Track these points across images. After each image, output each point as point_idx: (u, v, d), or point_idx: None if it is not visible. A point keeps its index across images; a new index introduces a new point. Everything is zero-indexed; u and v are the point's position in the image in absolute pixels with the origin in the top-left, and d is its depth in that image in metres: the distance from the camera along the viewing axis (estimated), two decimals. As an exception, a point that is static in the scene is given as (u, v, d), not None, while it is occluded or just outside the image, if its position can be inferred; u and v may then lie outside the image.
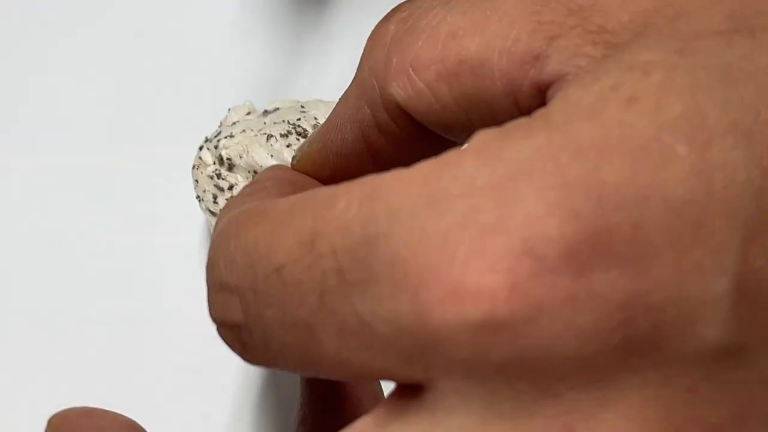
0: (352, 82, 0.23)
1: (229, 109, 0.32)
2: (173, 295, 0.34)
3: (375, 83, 0.21)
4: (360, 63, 0.22)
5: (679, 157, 0.15)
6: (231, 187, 0.30)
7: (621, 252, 0.15)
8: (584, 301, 0.15)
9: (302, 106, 0.31)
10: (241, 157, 0.30)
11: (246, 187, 0.24)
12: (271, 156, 0.29)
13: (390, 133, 0.22)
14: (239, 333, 0.19)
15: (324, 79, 0.37)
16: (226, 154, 0.30)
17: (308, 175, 0.24)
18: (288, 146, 0.29)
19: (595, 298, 0.15)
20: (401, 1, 0.22)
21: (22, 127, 0.37)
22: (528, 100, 0.19)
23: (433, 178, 0.16)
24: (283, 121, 0.29)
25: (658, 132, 0.16)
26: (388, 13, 0.22)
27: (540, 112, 0.17)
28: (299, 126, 0.29)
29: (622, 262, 0.15)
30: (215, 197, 0.30)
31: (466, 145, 0.17)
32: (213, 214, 0.31)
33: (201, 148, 0.31)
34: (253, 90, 0.35)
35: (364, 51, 0.22)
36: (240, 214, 0.20)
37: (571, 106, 0.16)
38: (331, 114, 0.23)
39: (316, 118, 0.30)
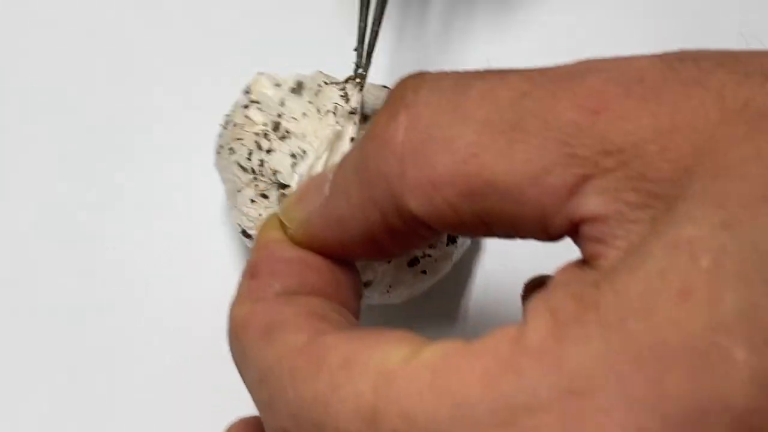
0: (352, 177, 0.22)
1: (260, 73, 0.32)
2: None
3: (388, 191, 0.20)
4: (365, 163, 0.21)
5: (737, 363, 0.15)
6: (269, 151, 0.30)
7: None
8: None
9: (327, 83, 0.31)
10: (305, 137, 0.30)
11: (254, 270, 0.23)
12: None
13: (399, 233, 0.21)
14: None
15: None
16: (286, 125, 0.31)
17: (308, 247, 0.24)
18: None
19: None
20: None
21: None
22: (559, 229, 0.19)
23: (497, 380, 0.16)
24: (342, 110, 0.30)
25: (714, 334, 0.15)
26: (390, 107, 0.21)
27: (591, 301, 0.17)
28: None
29: None
30: (250, 154, 0.31)
31: (522, 324, 0.17)
32: (242, 168, 0.31)
33: (246, 106, 0.31)
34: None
35: (366, 150, 0.21)
36: (292, 355, 0.20)
37: (622, 298, 0.16)
38: (330, 202, 0.23)
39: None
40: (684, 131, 0.18)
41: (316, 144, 0.30)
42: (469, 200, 0.19)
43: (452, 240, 0.30)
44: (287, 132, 0.31)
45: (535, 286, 0.27)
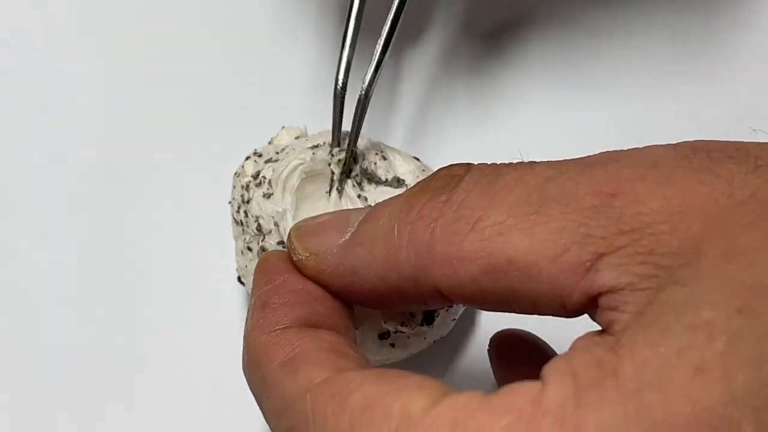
0: (380, 237, 0.23)
1: (282, 127, 0.33)
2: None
3: (413, 262, 0.22)
4: (397, 229, 0.22)
5: None
6: (248, 201, 0.30)
7: None
8: None
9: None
10: (276, 186, 0.30)
11: (265, 301, 0.24)
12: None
13: (410, 295, 0.23)
14: None
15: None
16: (265, 174, 0.31)
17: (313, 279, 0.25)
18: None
19: None
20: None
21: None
22: (576, 305, 0.20)
23: None
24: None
25: (725, 409, 0.17)
26: (434, 187, 0.22)
27: (610, 367, 0.18)
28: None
29: None
30: (239, 207, 0.31)
31: (543, 384, 0.18)
32: (235, 221, 0.31)
33: (248, 158, 0.32)
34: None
35: (402, 218, 0.22)
36: (315, 390, 0.21)
37: (641, 370, 0.17)
38: (349, 249, 0.24)
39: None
40: (694, 213, 0.19)
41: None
42: (491, 276, 0.21)
43: (428, 321, 0.29)
44: (264, 178, 0.30)
45: (502, 340, 0.29)
